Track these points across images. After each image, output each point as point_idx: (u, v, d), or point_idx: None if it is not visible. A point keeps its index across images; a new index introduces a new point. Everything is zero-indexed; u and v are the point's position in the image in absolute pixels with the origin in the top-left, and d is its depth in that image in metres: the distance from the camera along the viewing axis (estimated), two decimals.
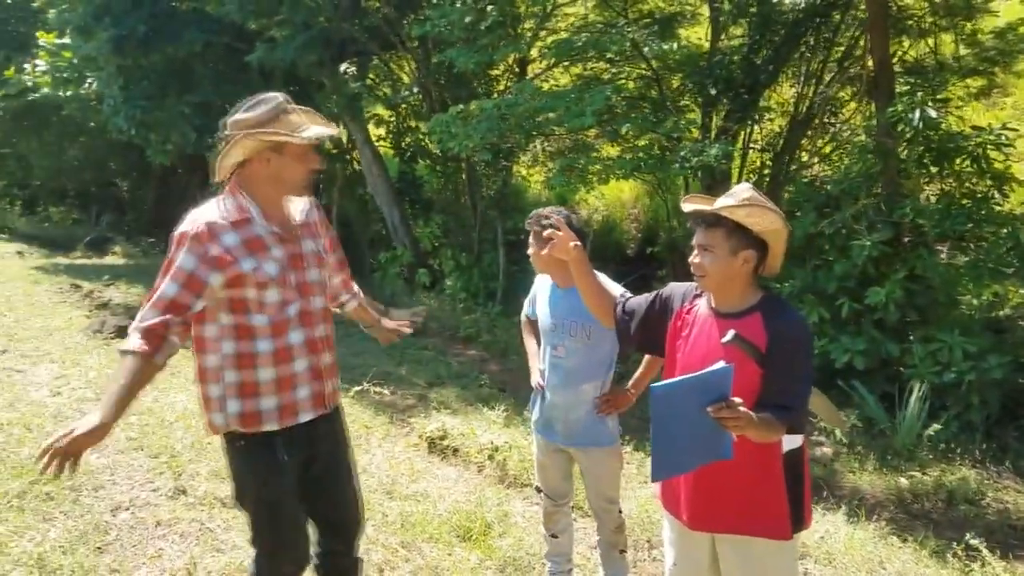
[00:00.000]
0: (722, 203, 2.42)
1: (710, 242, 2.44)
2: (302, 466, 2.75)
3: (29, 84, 14.59)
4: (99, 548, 3.58)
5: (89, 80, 13.16)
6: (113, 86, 12.63)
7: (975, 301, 8.15)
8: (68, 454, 2.30)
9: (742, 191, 2.43)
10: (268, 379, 2.58)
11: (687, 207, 2.57)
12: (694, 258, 2.50)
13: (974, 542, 4.36)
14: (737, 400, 2.16)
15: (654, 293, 2.76)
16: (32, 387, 5.84)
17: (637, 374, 3.45)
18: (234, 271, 2.49)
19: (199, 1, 10.78)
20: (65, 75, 13.43)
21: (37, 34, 13.96)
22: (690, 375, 2.20)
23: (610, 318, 2.82)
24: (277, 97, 2.57)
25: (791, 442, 2.46)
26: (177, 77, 12.79)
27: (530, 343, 3.71)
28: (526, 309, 3.72)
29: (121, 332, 7.82)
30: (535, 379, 3.51)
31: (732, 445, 2.22)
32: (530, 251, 3.35)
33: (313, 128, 2.58)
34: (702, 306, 2.59)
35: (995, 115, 12.28)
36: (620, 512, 3.57)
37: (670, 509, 2.67)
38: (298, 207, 2.77)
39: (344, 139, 14.43)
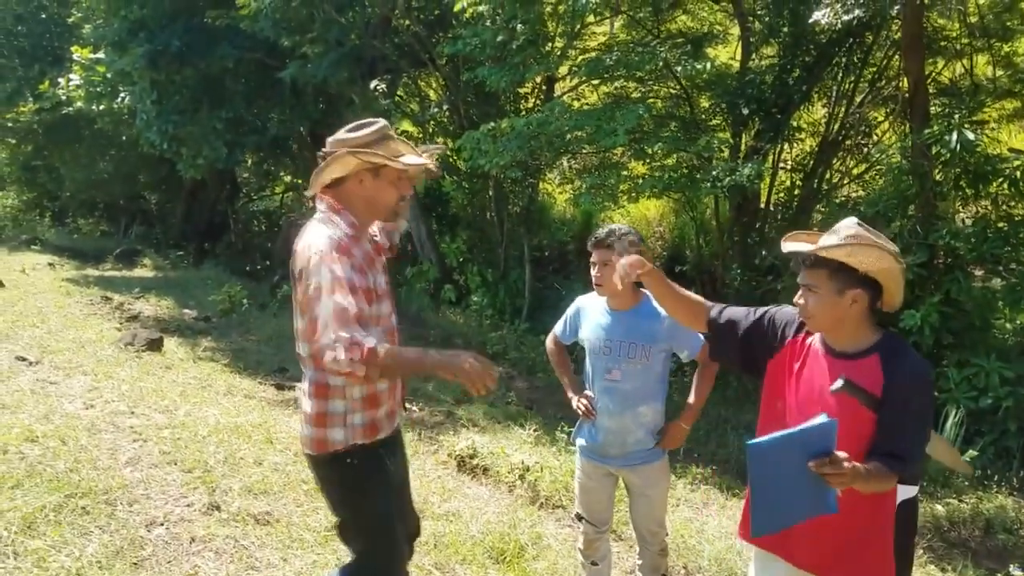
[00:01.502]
0: (825, 242, 2.31)
1: (813, 282, 2.33)
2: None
3: (63, 98, 14.81)
4: (135, 564, 3.58)
5: (122, 94, 13.33)
6: (146, 101, 12.78)
7: (1008, 325, 8.04)
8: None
9: (846, 227, 2.32)
10: (384, 388, 2.65)
11: (787, 247, 2.46)
12: (798, 299, 2.40)
13: (1017, 573, 4.27)
14: (842, 455, 2.06)
15: (761, 310, 2.64)
16: (66, 399, 5.87)
17: (691, 408, 3.40)
18: (365, 284, 2.53)
19: (233, 18, 10.90)
20: (99, 89, 13.59)
21: (72, 49, 14.16)
22: (790, 430, 2.11)
23: (701, 322, 2.70)
24: (380, 122, 2.61)
25: (906, 492, 2.35)
26: (209, 92, 12.93)
27: (563, 369, 3.60)
28: (559, 331, 3.60)
29: (153, 345, 7.87)
30: (578, 406, 3.40)
31: (837, 499, 2.14)
32: (596, 272, 3.26)
33: (411, 156, 2.62)
34: (816, 341, 2.46)
35: None
36: (666, 535, 3.54)
37: (769, 548, 2.56)
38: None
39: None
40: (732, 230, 10.31)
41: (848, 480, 2.06)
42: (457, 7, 8.02)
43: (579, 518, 3.54)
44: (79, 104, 14.24)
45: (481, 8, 7.92)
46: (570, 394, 3.49)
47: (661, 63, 8.24)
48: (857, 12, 6.27)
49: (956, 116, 6.85)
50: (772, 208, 10.50)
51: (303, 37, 10.68)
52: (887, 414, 2.23)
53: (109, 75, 13.11)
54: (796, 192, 10.33)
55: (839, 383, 2.20)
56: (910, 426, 2.25)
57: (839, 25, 6.69)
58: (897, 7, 6.33)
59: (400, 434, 2.85)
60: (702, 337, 3.28)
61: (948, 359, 7.18)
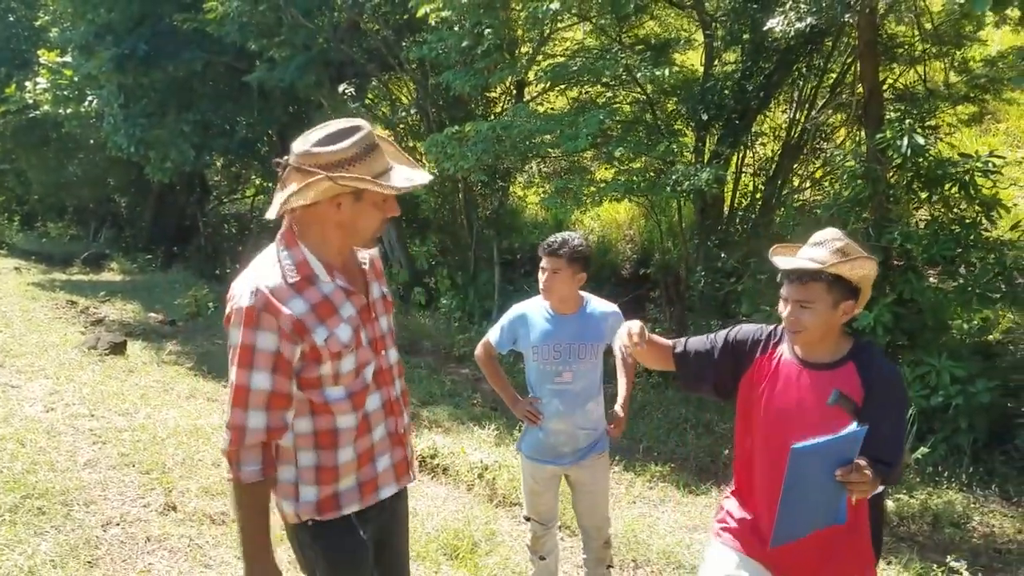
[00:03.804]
0: (814, 254, 2.36)
1: (810, 298, 2.33)
2: (374, 546, 2.39)
3: (30, 101, 14.73)
4: (89, 562, 3.63)
5: (90, 98, 13.30)
6: (113, 104, 12.78)
7: (965, 326, 8.22)
8: None
9: (834, 239, 2.36)
10: (349, 459, 2.22)
11: (780, 263, 2.44)
12: (789, 315, 2.38)
13: (955, 564, 4.41)
14: (862, 462, 2.10)
15: (722, 335, 2.62)
16: (26, 402, 5.89)
17: (627, 395, 3.50)
18: (309, 343, 2.10)
19: (200, 22, 10.90)
20: (66, 93, 13.57)
21: (39, 52, 14.10)
22: (828, 437, 2.11)
23: (668, 361, 2.66)
24: (362, 128, 2.12)
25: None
26: (177, 95, 12.95)
27: (500, 378, 3.59)
28: (495, 340, 3.52)
29: (116, 349, 7.87)
30: (525, 414, 3.43)
31: (846, 509, 2.18)
32: (545, 278, 3.32)
33: (400, 173, 2.17)
34: (784, 353, 2.47)
35: (987, 141, 12.44)
36: (610, 527, 3.64)
37: (750, 553, 2.53)
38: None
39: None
40: (697, 233, 10.45)
41: (869, 488, 2.11)
42: (420, 13, 8.09)
43: (527, 520, 3.61)
44: (46, 107, 14.19)
45: (444, 14, 8.00)
46: (516, 401, 3.49)
47: (622, 69, 8.36)
48: (810, 20, 6.41)
49: (907, 121, 7.01)
50: (736, 211, 10.65)
51: (270, 41, 10.70)
52: (870, 420, 2.22)
53: (76, 78, 13.08)
54: (758, 196, 10.49)
55: (834, 396, 2.25)
56: (893, 432, 2.30)
57: (792, 32, 6.85)
58: (849, 15, 6.48)
59: (399, 499, 2.45)
60: None
61: (903, 358, 7.35)
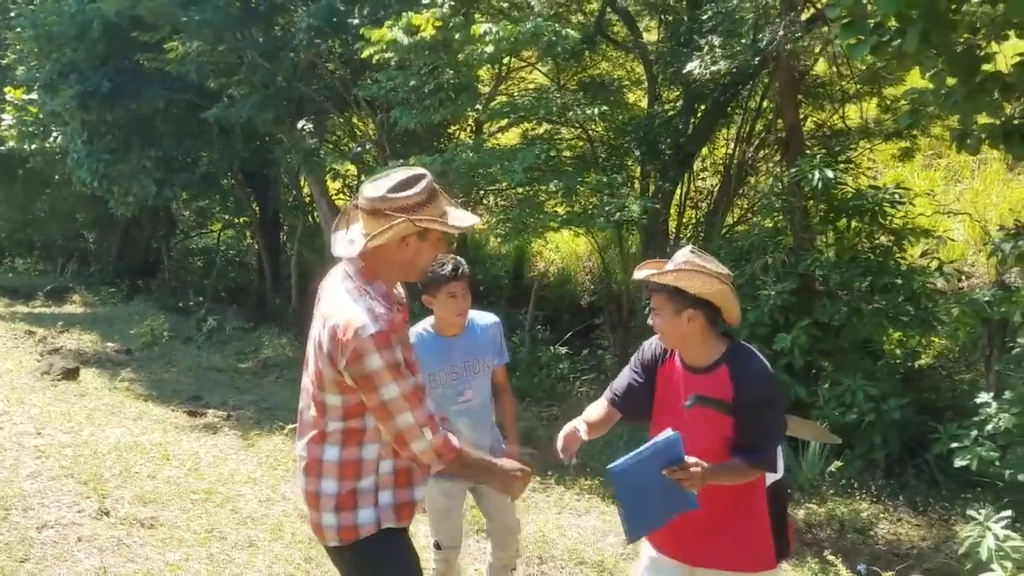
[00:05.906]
0: (663, 269, 2.65)
1: (657, 305, 2.68)
2: None
3: None
4: (21, 560, 3.90)
5: (54, 134, 13.60)
6: (77, 140, 13.07)
7: (898, 351, 8.67)
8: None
9: (680, 256, 2.66)
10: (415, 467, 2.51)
11: (637, 275, 2.77)
12: (650, 319, 2.74)
13: (831, 558, 4.78)
14: (691, 460, 2.43)
15: (635, 360, 2.92)
16: None
17: (515, 430, 3.71)
18: (404, 357, 2.39)
19: (162, 61, 11.25)
20: (31, 129, 13.87)
21: (5, 89, 14.39)
22: (640, 449, 2.43)
23: (614, 413, 2.91)
24: (425, 177, 2.40)
25: (772, 476, 2.73)
26: (139, 132, 13.24)
27: None
28: None
29: (68, 375, 8.12)
30: None
31: (696, 497, 2.49)
32: (456, 303, 3.37)
33: (455, 215, 2.47)
34: (677, 361, 2.78)
35: (928, 175, 13.07)
36: (520, 530, 3.82)
37: (657, 546, 2.84)
38: None
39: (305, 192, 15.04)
40: (642, 262, 10.88)
41: (699, 481, 2.43)
42: (364, 55, 8.50)
43: (438, 547, 3.56)
44: (11, 143, 14.45)
45: (387, 55, 8.42)
46: None
47: (555, 108, 8.85)
48: (722, 64, 6.91)
49: (818, 157, 7.51)
50: (679, 242, 11.11)
51: (229, 79, 11.07)
52: (740, 416, 2.59)
53: (41, 115, 13.38)
54: (699, 227, 10.97)
55: (689, 401, 2.61)
56: (759, 423, 2.60)
57: (708, 75, 7.33)
58: (758, 59, 6.98)
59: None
60: (507, 355, 3.65)
61: (822, 379, 7.77)
